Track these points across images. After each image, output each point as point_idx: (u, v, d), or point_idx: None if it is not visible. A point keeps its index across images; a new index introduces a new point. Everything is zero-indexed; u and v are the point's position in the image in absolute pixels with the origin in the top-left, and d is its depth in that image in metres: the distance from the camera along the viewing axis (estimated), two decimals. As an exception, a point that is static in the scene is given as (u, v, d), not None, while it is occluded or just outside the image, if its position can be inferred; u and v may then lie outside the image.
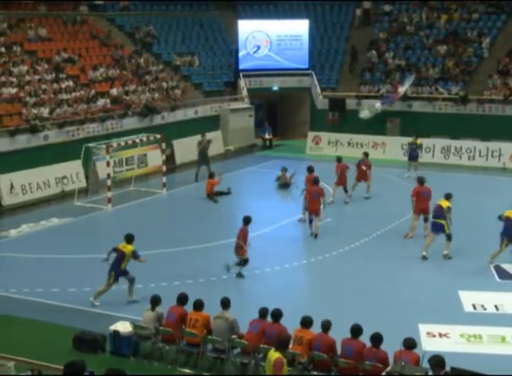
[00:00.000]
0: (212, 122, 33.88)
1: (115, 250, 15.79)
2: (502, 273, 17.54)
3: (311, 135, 34.54)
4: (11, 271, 17.85)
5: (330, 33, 40.52)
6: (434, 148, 31.15)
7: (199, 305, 12.71)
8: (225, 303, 12.74)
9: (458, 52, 36.08)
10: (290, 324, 12.04)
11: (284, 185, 26.22)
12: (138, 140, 25.89)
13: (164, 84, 34.07)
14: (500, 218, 18.29)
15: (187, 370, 12.58)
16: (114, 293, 16.17)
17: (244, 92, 36.33)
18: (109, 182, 24.05)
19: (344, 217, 22.74)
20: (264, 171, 28.86)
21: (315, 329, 11.90)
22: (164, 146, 26.55)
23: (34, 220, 22.41)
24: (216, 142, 32.27)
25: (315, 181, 20.70)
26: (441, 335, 14.04)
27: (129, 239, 15.87)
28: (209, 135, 29.59)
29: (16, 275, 17.52)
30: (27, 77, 29.06)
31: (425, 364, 10.68)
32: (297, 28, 37.84)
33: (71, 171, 26.44)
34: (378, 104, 33.40)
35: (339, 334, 11.75)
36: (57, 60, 31.31)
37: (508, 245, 18.00)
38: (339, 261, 18.71)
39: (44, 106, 27.86)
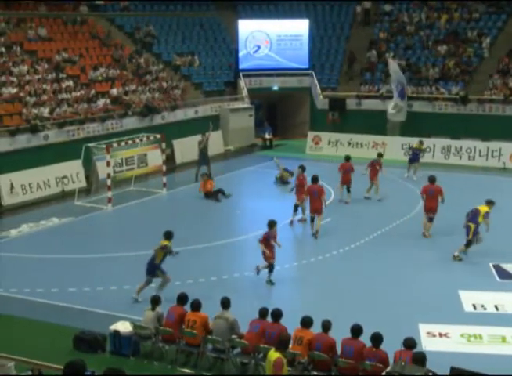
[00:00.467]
0: (212, 122, 33.83)
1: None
2: (503, 273, 17.54)
3: (311, 135, 34.56)
4: (11, 271, 17.83)
5: (330, 33, 40.54)
6: (434, 148, 31.15)
7: (196, 306, 12.70)
8: (225, 303, 12.73)
9: (458, 51, 36.11)
10: (290, 324, 12.04)
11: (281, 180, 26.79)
12: (138, 140, 25.90)
13: (164, 84, 34.09)
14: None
15: (187, 370, 12.59)
16: (115, 293, 16.20)
17: (244, 92, 36.35)
18: (109, 182, 24.06)
19: (344, 217, 22.72)
20: (264, 171, 28.86)
21: (316, 329, 11.90)
22: (164, 145, 26.56)
23: (34, 220, 22.41)
24: (216, 142, 32.28)
25: (314, 179, 20.69)
26: (441, 335, 14.04)
27: (167, 235, 16.02)
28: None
29: (17, 275, 17.50)
30: (27, 77, 29.07)
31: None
32: (298, 28, 37.85)
33: (71, 171, 26.44)
34: (398, 99, 33.00)
35: (339, 334, 11.75)
36: (57, 60, 31.32)
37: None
38: (339, 261, 18.71)
39: (44, 106, 27.88)
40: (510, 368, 11.99)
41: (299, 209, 21.72)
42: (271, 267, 16.76)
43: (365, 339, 11.48)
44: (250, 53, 37.38)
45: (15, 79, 28.51)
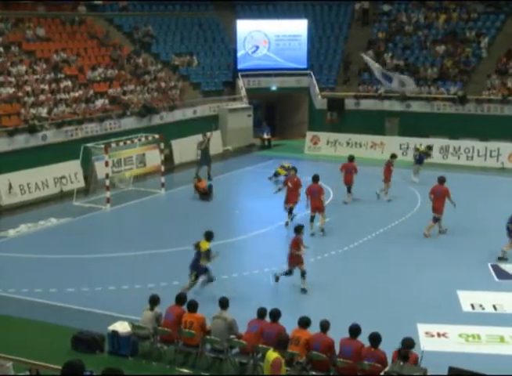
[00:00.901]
0: (211, 122, 33.83)
1: (196, 246, 15.89)
2: (501, 273, 17.55)
3: (309, 135, 34.55)
4: (9, 271, 17.83)
5: (329, 33, 40.52)
6: (432, 148, 31.11)
7: (193, 306, 12.69)
8: (224, 303, 12.73)
9: (456, 51, 36.11)
10: (289, 324, 12.03)
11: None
12: (136, 140, 25.89)
13: (163, 84, 34.08)
14: None
15: (185, 370, 12.59)
16: (113, 293, 16.19)
17: (243, 92, 36.33)
18: (107, 182, 24.05)
19: (342, 217, 22.70)
20: (262, 171, 28.84)
21: (314, 329, 11.90)
22: (162, 145, 26.54)
23: (32, 220, 22.39)
24: (215, 142, 32.23)
25: (315, 179, 20.81)
26: (439, 335, 14.05)
27: (207, 236, 16.03)
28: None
29: (15, 275, 17.50)
30: (26, 77, 29.05)
31: (423, 364, 10.72)
32: (296, 28, 37.84)
33: (70, 171, 26.41)
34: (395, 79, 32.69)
35: (338, 334, 11.75)
36: (55, 60, 31.30)
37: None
38: (338, 261, 18.71)
39: (42, 106, 27.86)
40: (508, 368, 12.00)
41: (294, 211, 21.63)
42: (303, 273, 16.33)
43: (363, 339, 11.48)
44: (248, 53, 37.37)
45: (13, 79, 28.48)
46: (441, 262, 18.37)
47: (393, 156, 25.50)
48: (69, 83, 30.22)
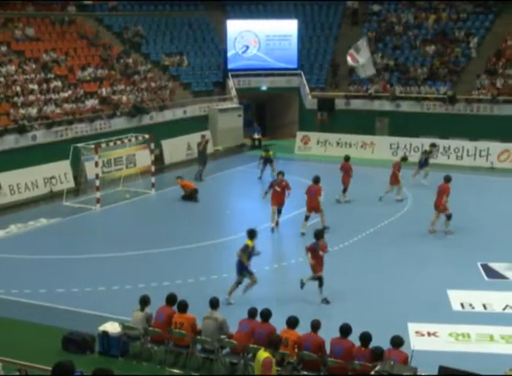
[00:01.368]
0: (201, 122, 33.83)
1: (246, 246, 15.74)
2: (490, 272, 17.62)
3: (299, 135, 34.59)
4: (-1, 272, 17.79)
5: (319, 33, 40.57)
6: (422, 148, 31.14)
7: (183, 307, 12.66)
8: (214, 303, 12.70)
9: (446, 51, 36.24)
10: (279, 324, 12.02)
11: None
12: (126, 140, 25.83)
13: (153, 84, 34.02)
14: None
15: (176, 371, 12.57)
16: (103, 293, 16.15)
17: (233, 92, 36.32)
18: (97, 183, 23.99)
19: (332, 217, 22.64)
20: (253, 171, 28.82)
21: (305, 329, 11.90)
22: (152, 146, 26.51)
23: (22, 220, 22.31)
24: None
25: (316, 180, 20.96)
26: (429, 334, 14.09)
27: (250, 234, 15.83)
28: (198, 135, 29.54)
29: (4, 276, 17.42)
30: (15, 77, 28.93)
31: (414, 363, 10.75)
32: (286, 28, 37.85)
33: (60, 172, 26.33)
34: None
35: (328, 334, 11.76)
36: (45, 60, 31.20)
37: None
38: (328, 260, 18.64)
39: (32, 106, 27.76)
40: (497, 367, 12.03)
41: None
42: (320, 281, 15.71)
43: (354, 339, 11.50)
44: (238, 53, 37.37)
45: (2, 79, 28.35)
46: (431, 262, 18.43)
47: (404, 158, 25.54)
48: (59, 83, 30.12)
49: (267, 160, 27.92)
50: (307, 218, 20.76)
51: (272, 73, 37.39)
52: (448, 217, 20.61)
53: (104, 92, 31.23)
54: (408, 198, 24.66)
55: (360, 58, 32.02)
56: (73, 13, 36.20)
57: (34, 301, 15.65)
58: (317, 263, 15.86)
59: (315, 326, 11.82)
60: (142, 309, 13.00)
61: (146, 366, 12.73)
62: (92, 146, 24.29)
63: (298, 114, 37.63)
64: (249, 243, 15.66)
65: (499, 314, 15.19)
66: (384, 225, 21.78)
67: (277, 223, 21.42)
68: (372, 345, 11.24)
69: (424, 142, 31.33)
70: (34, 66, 30.45)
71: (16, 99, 27.67)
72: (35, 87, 28.99)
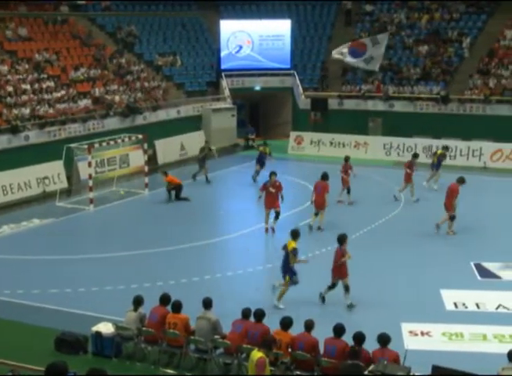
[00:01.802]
0: (194, 122, 33.81)
1: (284, 247, 15.64)
2: (484, 272, 17.65)
3: (293, 135, 34.60)
4: (-8, 272, 17.72)
5: (312, 33, 40.60)
6: (415, 147, 31.26)
7: (177, 307, 12.64)
8: (207, 303, 12.68)
9: (439, 51, 36.33)
10: (272, 325, 12.02)
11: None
12: (120, 140, 25.78)
13: (146, 84, 33.98)
14: None
15: (170, 371, 12.55)
16: (96, 294, 16.12)
17: (226, 92, 36.30)
18: (90, 183, 23.94)
19: (327, 217, 22.68)
20: (247, 171, 28.81)
21: (299, 329, 11.89)
22: (145, 146, 26.48)
23: (15, 221, 22.24)
24: (199, 143, 32.13)
25: (324, 177, 21.08)
26: (423, 334, 14.11)
27: (293, 235, 15.72)
28: (191, 135, 29.54)
29: (-3, 276, 17.40)
30: (8, 77, 28.85)
31: (407, 363, 10.76)
32: (280, 28, 37.85)
33: (53, 172, 26.26)
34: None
35: (322, 334, 11.76)
36: (38, 60, 31.12)
37: None
38: (321, 261, 18.65)
39: (25, 106, 27.69)
40: (491, 366, 12.04)
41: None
42: (346, 287, 15.43)
43: (347, 339, 11.50)
44: (232, 53, 37.35)
45: (-5, 79, 28.32)
46: (425, 261, 18.45)
47: (415, 155, 25.45)
48: (51, 83, 30.06)
49: (260, 158, 27.75)
50: (316, 214, 21.00)
51: (265, 73, 37.40)
52: (451, 218, 20.54)
53: (97, 92, 31.19)
54: (402, 199, 24.64)
55: (373, 50, 31.87)
56: (65, 13, 36.10)
57: (27, 302, 15.59)
58: (343, 269, 15.59)
59: (309, 326, 11.82)
60: (136, 310, 12.97)
61: (139, 367, 12.71)
62: (85, 147, 24.24)
63: (292, 114, 37.64)
64: (294, 244, 15.53)
65: (492, 313, 15.22)
66: (376, 225, 21.78)
67: (273, 229, 21.08)
68: (365, 345, 11.24)
69: (417, 142, 31.42)
70: (26, 66, 30.38)
71: (8, 99, 27.60)
72: (28, 87, 28.93)
